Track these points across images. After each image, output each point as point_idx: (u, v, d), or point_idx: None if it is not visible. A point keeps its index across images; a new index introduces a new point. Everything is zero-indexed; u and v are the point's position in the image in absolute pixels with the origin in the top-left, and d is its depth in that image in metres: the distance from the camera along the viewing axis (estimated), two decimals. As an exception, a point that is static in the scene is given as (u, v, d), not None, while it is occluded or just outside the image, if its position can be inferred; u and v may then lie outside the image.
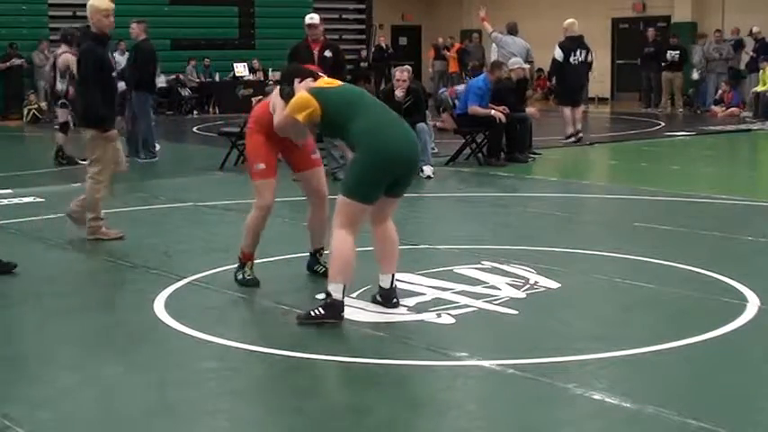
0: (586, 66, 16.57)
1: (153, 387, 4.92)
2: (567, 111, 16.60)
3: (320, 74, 6.40)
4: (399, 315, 6.02)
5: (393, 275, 6.15)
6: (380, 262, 6.19)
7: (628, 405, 4.51)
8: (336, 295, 5.83)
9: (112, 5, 8.38)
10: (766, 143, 18.42)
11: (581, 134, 16.50)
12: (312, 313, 5.85)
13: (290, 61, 11.40)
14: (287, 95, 6.21)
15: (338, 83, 6.29)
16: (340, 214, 5.87)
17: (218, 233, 8.79)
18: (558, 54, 16.42)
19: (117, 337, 5.87)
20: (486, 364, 5.13)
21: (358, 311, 6.07)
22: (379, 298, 6.20)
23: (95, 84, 8.36)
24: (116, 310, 6.44)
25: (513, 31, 16.66)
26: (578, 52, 16.31)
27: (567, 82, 16.60)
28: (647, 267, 7.30)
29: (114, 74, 8.91)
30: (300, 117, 6.02)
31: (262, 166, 6.68)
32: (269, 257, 7.54)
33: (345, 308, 5.92)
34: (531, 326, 5.95)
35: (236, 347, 5.45)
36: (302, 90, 6.10)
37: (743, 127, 19.84)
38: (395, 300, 6.17)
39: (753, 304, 6.15)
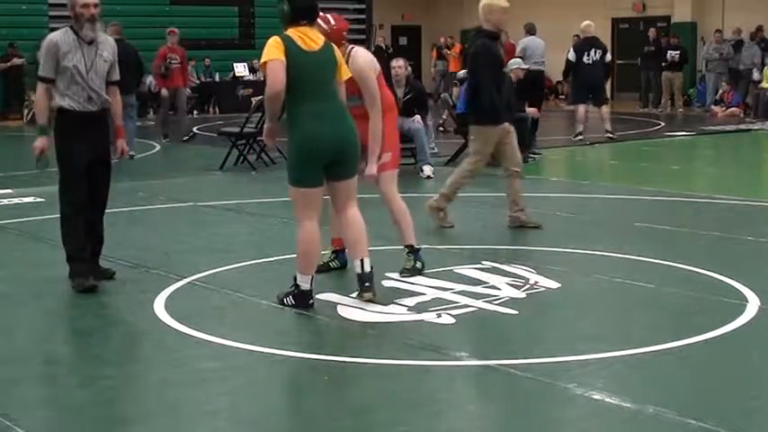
0: (603, 65, 16.75)
1: (153, 387, 4.93)
2: (581, 109, 16.80)
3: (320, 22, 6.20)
4: (399, 315, 6.02)
5: (363, 260, 6.13)
6: (348, 248, 6.29)
7: (628, 405, 4.51)
8: (305, 286, 6.04)
9: (507, 4, 8.52)
10: (766, 143, 18.42)
11: (611, 134, 16.69)
12: (285, 301, 6.11)
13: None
14: (282, 13, 5.99)
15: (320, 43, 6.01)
16: (292, 203, 6.09)
17: (218, 233, 8.79)
18: (571, 54, 16.83)
19: (117, 337, 5.87)
20: (486, 364, 5.13)
21: (357, 311, 6.07)
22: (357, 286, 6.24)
23: (490, 79, 8.50)
24: (116, 310, 6.43)
25: (532, 31, 17.21)
26: (593, 52, 16.52)
27: (579, 81, 16.90)
28: (647, 267, 7.30)
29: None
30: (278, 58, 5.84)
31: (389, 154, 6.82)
32: (268, 257, 7.55)
33: (344, 307, 5.98)
34: (531, 326, 5.95)
35: (236, 347, 5.44)
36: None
37: (743, 127, 19.84)
38: (367, 284, 6.14)
39: (753, 304, 6.14)
